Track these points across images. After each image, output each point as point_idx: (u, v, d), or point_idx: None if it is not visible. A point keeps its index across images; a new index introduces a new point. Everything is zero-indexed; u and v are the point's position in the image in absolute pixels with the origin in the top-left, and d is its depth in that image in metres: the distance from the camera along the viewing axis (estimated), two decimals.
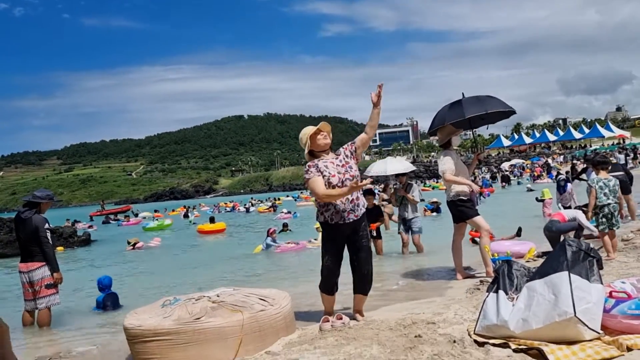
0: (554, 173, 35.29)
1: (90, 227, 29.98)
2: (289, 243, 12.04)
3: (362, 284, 4.47)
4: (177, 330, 3.67)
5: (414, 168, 10.75)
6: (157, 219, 29.36)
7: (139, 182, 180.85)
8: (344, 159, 4.37)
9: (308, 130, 4.38)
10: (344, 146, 4.48)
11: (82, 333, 5.52)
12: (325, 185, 4.23)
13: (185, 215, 35.51)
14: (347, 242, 4.42)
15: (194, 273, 9.80)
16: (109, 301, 6.61)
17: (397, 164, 11.32)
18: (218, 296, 4.01)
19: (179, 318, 3.74)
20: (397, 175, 9.82)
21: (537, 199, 14.16)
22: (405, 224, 9.17)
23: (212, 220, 20.51)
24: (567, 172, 19.86)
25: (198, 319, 3.71)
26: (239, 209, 38.23)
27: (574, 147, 66.31)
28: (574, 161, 33.68)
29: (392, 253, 9.31)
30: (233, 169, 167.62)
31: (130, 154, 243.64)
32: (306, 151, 4.40)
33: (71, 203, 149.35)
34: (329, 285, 4.45)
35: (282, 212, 27.07)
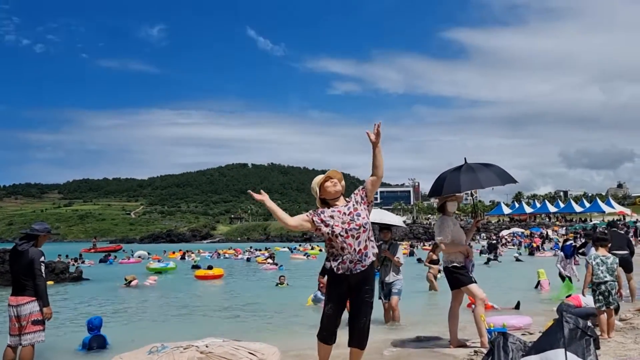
0: (559, 244, 34.90)
1: (83, 262, 29.71)
2: None
3: (359, 338, 4.36)
4: None
5: (404, 226, 10.02)
6: (157, 262, 28.19)
7: (137, 222, 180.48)
8: (353, 205, 4.35)
9: (318, 178, 4.42)
10: (355, 191, 4.46)
11: None
12: (329, 234, 4.23)
13: (182, 258, 35.26)
14: (350, 294, 4.33)
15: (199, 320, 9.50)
16: (95, 343, 6.46)
17: (392, 216, 9.79)
18: (207, 347, 3.94)
19: None
20: (381, 230, 8.40)
21: (535, 286, 13.58)
22: (385, 288, 8.12)
23: (209, 268, 20.69)
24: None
25: None
26: (238, 256, 37.85)
27: (574, 220, 66.31)
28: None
29: (375, 321, 8.20)
30: (232, 216, 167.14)
31: (131, 193, 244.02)
32: (317, 199, 4.42)
33: (66, 238, 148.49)
34: (327, 334, 4.36)
35: (268, 262, 26.68)
